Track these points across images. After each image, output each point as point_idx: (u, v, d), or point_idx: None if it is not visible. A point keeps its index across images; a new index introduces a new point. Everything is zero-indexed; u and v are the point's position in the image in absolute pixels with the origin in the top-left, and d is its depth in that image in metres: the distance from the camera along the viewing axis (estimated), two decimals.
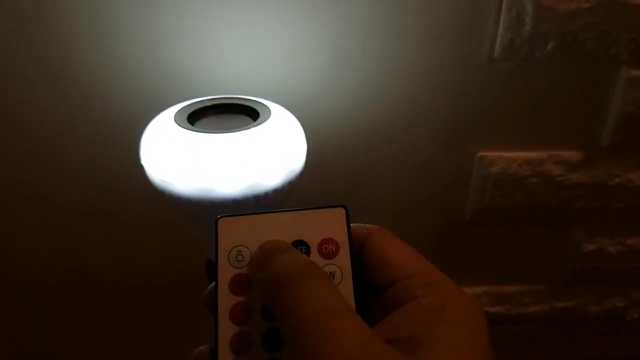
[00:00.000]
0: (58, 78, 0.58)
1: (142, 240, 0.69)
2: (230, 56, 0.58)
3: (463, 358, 0.20)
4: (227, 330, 0.24)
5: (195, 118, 0.47)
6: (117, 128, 0.60)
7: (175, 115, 0.46)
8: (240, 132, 0.43)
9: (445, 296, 0.23)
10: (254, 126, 0.44)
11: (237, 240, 0.25)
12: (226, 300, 0.24)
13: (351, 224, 0.25)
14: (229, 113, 0.49)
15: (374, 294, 0.25)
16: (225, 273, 0.24)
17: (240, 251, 0.25)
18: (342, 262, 0.25)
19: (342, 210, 0.25)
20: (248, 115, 0.48)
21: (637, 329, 0.85)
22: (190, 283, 0.60)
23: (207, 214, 0.44)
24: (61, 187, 0.64)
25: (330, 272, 0.24)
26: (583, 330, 0.84)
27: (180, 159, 0.42)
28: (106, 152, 0.62)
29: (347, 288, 0.24)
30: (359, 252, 0.25)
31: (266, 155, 0.43)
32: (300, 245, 0.25)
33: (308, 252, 0.25)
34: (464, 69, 0.61)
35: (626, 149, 0.67)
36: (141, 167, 0.45)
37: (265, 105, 0.48)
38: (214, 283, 0.25)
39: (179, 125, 0.44)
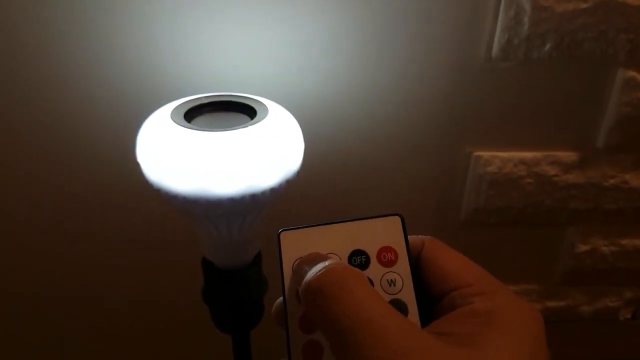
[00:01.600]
0: (53, 75, 0.57)
1: (138, 236, 0.68)
2: (228, 53, 0.57)
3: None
4: (298, 339, 0.25)
5: (192, 115, 0.47)
6: (113, 125, 0.60)
7: (171, 113, 0.45)
8: (238, 130, 0.42)
9: (498, 302, 0.23)
10: (251, 124, 0.43)
11: (299, 252, 0.26)
12: (295, 311, 0.25)
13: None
14: (226, 111, 0.48)
15: (431, 303, 0.25)
16: (292, 285, 0.25)
17: None
18: (402, 270, 0.25)
19: (398, 219, 0.26)
20: (245, 113, 0.48)
21: (629, 329, 0.85)
22: (187, 279, 0.60)
23: (204, 212, 0.44)
24: (56, 183, 0.64)
25: (391, 280, 0.25)
26: (576, 330, 0.84)
27: (176, 157, 0.42)
28: (102, 149, 0.61)
29: (409, 295, 0.25)
30: (415, 262, 0.26)
31: (264, 154, 0.42)
32: (360, 254, 0.25)
33: (367, 261, 0.25)
34: (461, 68, 0.60)
35: (622, 150, 0.67)
36: (137, 164, 0.44)
37: (263, 103, 0.48)
38: (281, 298, 0.26)
39: (175, 122, 0.43)
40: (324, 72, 0.59)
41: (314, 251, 0.26)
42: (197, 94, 0.50)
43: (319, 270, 0.22)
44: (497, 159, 0.66)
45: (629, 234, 0.75)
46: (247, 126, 0.43)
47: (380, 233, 0.26)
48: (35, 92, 0.58)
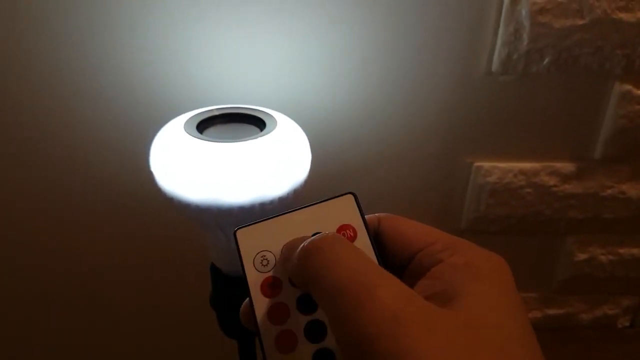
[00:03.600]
0: (70, 86, 0.59)
1: (150, 242, 0.70)
2: (239, 67, 0.59)
3: (493, 306, 0.21)
4: (269, 332, 0.24)
5: (204, 127, 0.49)
6: (128, 135, 0.62)
7: (184, 124, 0.47)
8: (248, 141, 0.44)
9: (468, 255, 0.24)
10: (261, 136, 0.45)
11: (258, 246, 0.26)
12: (262, 304, 0.25)
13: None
14: (237, 122, 0.50)
15: (400, 272, 0.25)
16: (255, 279, 0.25)
17: (264, 256, 0.26)
18: (363, 244, 0.25)
19: (351, 197, 0.26)
20: (255, 124, 0.50)
21: (628, 337, 0.87)
22: (197, 285, 0.61)
23: (214, 220, 0.45)
24: (71, 191, 0.66)
25: None
26: (575, 337, 0.86)
27: (189, 167, 0.43)
28: (117, 159, 0.63)
29: None
30: (375, 237, 0.26)
31: (273, 164, 0.44)
32: None
33: None
34: (462, 82, 0.62)
35: (618, 161, 0.69)
36: (151, 173, 0.46)
37: (272, 116, 0.50)
38: (247, 299, 0.25)
39: (188, 133, 0.45)
40: (330, 85, 0.61)
41: (274, 243, 0.26)
42: (209, 106, 0.52)
43: (313, 238, 0.23)
44: (497, 169, 0.68)
45: (626, 243, 0.77)
46: (256, 137, 0.45)
47: (336, 213, 0.26)
48: (50, 103, 0.60)
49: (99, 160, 0.64)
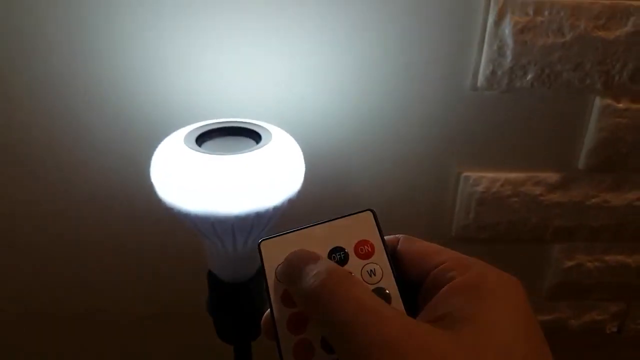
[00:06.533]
0: (74, 97, 0.62)
1: (149, 249, 0.72)
2: (235, 82, 0.62)
3: (503, 332, 0.21)
4: (288, 340, 0.25)
5: (203, 140, 0.51)
6: (129, 148, 0.64)
7: (185, 137, 0.50)
8: (244, 154, 0.47)
9: (480, 274, 0.23)
10: (256, 149, 0.48)
11: (280, 258, 0.27)
12: (282, 314, 0.26)
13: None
14: (234, 135, 0.53)
15: (415, 293, 0.26)
16: (276, 290, 0.26)
17: None
18: (380, 259, 0.26)
19: (370, 214, 0.27)
20: (251, 137, 0.53)
21: (616, 342, 0.89)
22: (195, 293, 0.64)
23: (212, 228, 0.48)
24: (72, 202, 0.68)
25: (371, 270, 0.26)
26: (564, 343, 0.88)
27: (187, 178, 0.46)
28: (118, 171, 0.66)
29: (390, 282, 0.26)
30: (392, 255, 0.27)
31: (268, 176, 0.47)
32: (339, 251, 0.27)
33: (346, 256, 0.26)
34: (450, 97, 0.65)
35: (601, 171, 0.72)
36: (151, 185, 0.49)
37: (267, 129, 0.53)
38: (268, 310, 0.27)
39: (187, 146, 0.48)
40: (324, 99, 0.64)
41: None
42: (207, 119, 0.55)
43: (317, 276, 0.24)
44: (485, 179, 0.71)
45: (612, 251, 0.79)
46: (252, 150, 0.48)
47: (355, 229, 0.27)
48: (52, 115, 0.63)
49: (100, 171, 0.66)
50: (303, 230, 0.27)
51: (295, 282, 0.25)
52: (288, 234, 0.27)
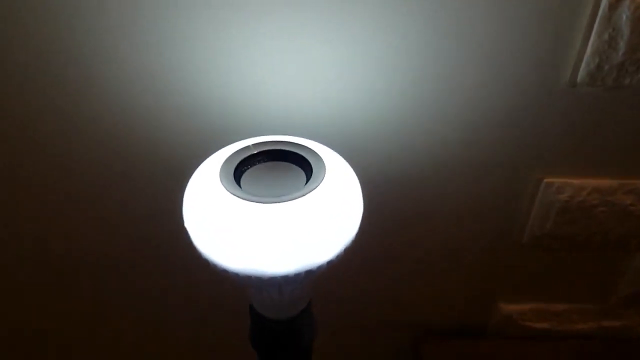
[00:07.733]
0: (101, 123, 0.54)
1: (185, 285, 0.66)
2: (278, 95, 0.52)
3: None
4: None
5: (242, 169, 0.42)
6: (163, 174, 0.57)
7: (220, 170, 0.41)
8: (294, 201, 0.38)
9: None
10: (308, 192, 0.39)
11: None
12: None
13: None
14: (278, 161, 0.44)
15: None
16: None
17: None
18: None
19: None
20: (299, 164, 0.43)
21: None
22: (237, 325, 0.58)
23: (255, 285, 0.40)
24: (104, 232, 0.63)
25: None
26: (630, 350, 0.80)
27: (225, 230, 0.38)
28: (149, 208, 0.60)
29: None
30: None
31: (322, 225, 0.38)
32: None
33: None
34: (539, 92, 0.53)
35: None
36: (185, 229, 0.41)
37: (316, 153, 0.43)
38: None
39: (224, 186, 0.39)
40: (379, 113, 0.54)
41: None
42: (247, 136, 0.45)
43: None
44: (570, 186, 0.60)
45: None
46: (304, 195, 0.39)
47: None
48: (79, 143, 0.55)
49: (131, 209, 0.60)
50: None
51: None
52: None
